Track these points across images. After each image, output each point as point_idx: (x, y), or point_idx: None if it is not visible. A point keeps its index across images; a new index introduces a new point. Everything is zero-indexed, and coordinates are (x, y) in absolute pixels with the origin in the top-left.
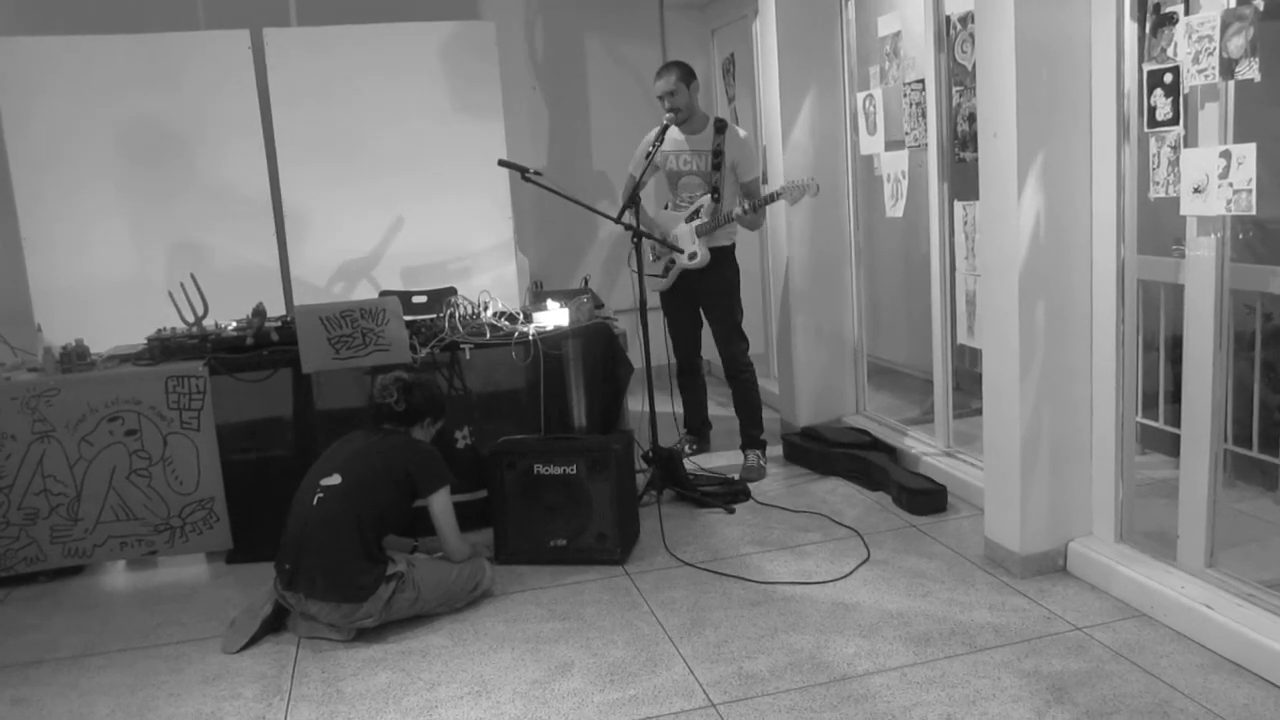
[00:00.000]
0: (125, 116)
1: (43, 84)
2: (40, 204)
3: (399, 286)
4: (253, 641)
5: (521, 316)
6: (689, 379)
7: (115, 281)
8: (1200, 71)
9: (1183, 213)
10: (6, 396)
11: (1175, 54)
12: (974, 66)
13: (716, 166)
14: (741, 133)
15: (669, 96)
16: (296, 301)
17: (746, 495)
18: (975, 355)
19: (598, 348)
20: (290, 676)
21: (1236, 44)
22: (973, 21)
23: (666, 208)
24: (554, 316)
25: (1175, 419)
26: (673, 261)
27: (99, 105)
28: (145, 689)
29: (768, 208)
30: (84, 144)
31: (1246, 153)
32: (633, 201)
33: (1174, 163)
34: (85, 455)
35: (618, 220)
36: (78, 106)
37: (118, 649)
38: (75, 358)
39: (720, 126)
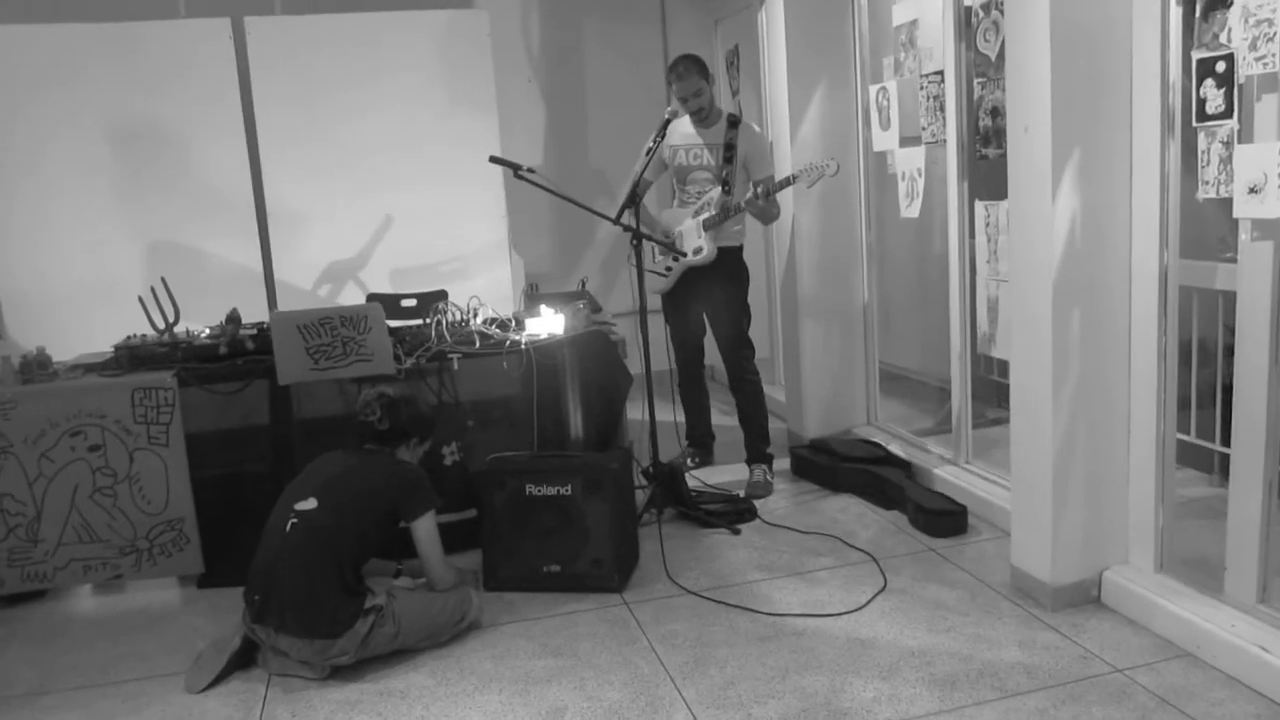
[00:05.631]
0: (99, 109)
1: (11, 72)
2: (2, 199)
3: (387, 289)
4: (219, 679)
5: (513, 323)
6: (691, 387)
7: (83, 284)
8: (1259, 59)
9: (1236, 215)
10: None
11: (1229, 40)
12: (997, 57)
13: (728, 160)
14: (755, 128)
15: (694, 98)
16: (281, 305)
17: (753, 514)
18: (991, 362)
19: (594, 357)
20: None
21: None
22: (996, 8)
23: (673, 205)
24: (548, 323)
25: (1207, 432)
26: (675, 260)
27: (71, 96)
28: None
29: (780, 201)
30: (53, 136)
31: None
32: (632, 200)
33: (1226, 160)
34: (45, 472)
35: (615, 221)
36: (47, 96)
37: (74, 686)
38: (36, 367)
39: (733, 121)
